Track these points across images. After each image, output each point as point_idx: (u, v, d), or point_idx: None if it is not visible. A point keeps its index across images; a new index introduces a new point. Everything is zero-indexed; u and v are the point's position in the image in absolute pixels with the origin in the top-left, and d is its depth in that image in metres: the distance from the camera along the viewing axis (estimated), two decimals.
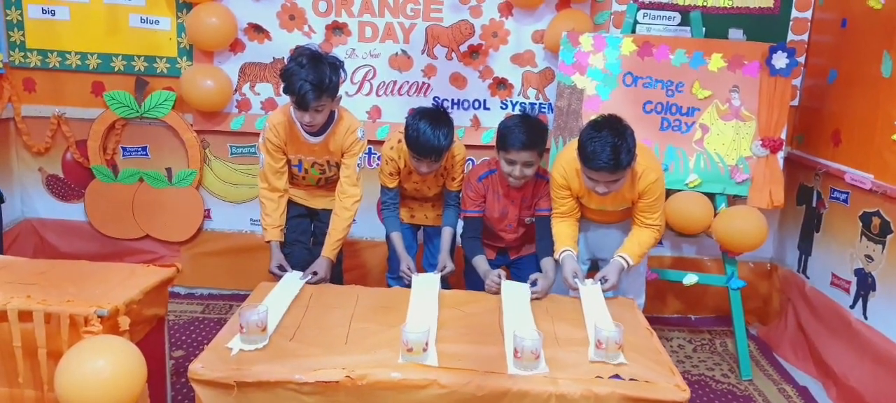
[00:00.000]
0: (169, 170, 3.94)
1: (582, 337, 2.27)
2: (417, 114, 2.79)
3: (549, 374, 2.02)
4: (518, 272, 3.02)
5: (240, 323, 2.13)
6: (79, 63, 3.79)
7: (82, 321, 2.08)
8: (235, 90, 3.78)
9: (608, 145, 2.45)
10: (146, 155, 3.93)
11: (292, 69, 2.61)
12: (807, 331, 3.46)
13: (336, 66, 2.67)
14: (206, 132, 3.88)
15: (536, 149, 2.76)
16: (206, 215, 4.00)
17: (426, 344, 2.08)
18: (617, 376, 2.03)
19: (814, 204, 3.54)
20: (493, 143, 2.90)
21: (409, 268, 2.88)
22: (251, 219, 4.00)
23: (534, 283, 2.64)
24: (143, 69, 3.79)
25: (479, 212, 2.98)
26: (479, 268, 2.87)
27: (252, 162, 3.92)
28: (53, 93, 3.85)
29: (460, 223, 3.10)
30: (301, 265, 2.85)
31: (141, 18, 3.73)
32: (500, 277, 2.70)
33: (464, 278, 3.22)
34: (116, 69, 3.79)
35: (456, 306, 2.51)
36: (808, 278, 3.58)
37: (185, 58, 3.78)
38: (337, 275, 3.15)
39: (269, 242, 2.93)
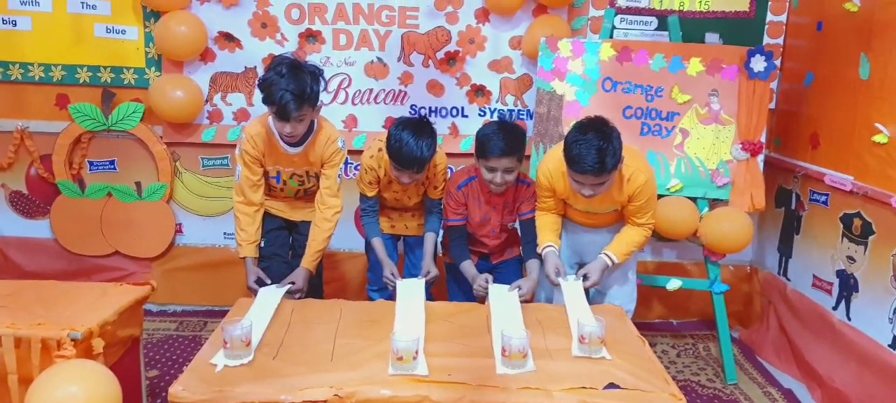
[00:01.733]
0: (138, 183, 3.82)
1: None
2: (400, 125, 2.73)
3: (543, 386, 1.98)
4: (501, 277, 2.99)
5: (223, 338, 2.06)
6: (42, 75, 3.65)
7: (54, 344, 1.99)
8: (206, 101, 3.68)
9: (593, 148, 2.42)
10: (114, 169, 3.80)
11: (272, 79, 2.53)
12: (789, 334, 3.46)
13: (316, 74, 2.61)
14: (177, 144, 3.77)
15: (516, 154, 2.73)
16: (178, 229, 3.88)
17: (416, 353, 2.04)
18: (611, 386, 1.99)
19: (793, 207, 3.56)
20: (472, 151, 2.87)
21: (392, 274, 2.85)
22: (224, 233, 3.89)
23: (518, 288, 2.66)
24: (109, 80, 3.67)
25: (461, 221, 2.94)
26: (466, 273, 2.88)
27: (224, 174, 3.82)
28: (16, 106, 3.70)
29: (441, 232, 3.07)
30: (279, 279, 2.78)
31: (107, 28, 3.61)
32: (487, 282, 2.72)
33: (447, 286, 3.18)
34: (82, 81, 3.66)
35: (445, 318, 2.45)
36: (788, 280, 3.59)
37: (153, 68, 3.66)
38: (317, 288, 3.09)
39: (243, 258, 2.83)
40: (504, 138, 2.68)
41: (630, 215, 2.77)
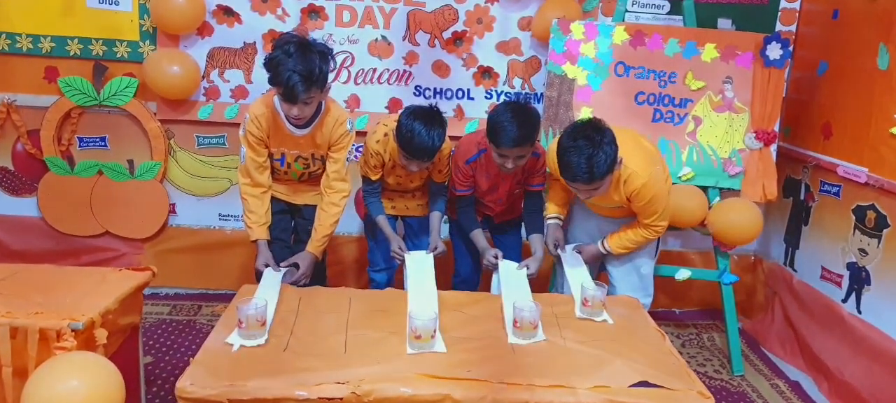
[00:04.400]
0: (130, 161, 3.69)
1: (592, 341, 2.18)
2: (411, 114, 2.66)
3: (568, 383, 1.91)
4: (502, 236, 3.15)
5: (238, 317, 2.02)
6: (30, 46, 3.49)
7: (54, 335, 1.87)
8: (203, 77, 3.55)
9: (583, 157, 2.38)
10: (105, 146, 3.66)
11: (279, 58, 2.41)
12: (795, 325, 3.43)
13: (325, 54, 2.49)
14: (171, 121, 3.64)
15: (529, 142, 2.66)
16: (172, 210, 3.76)
17: (434, 332, 2.05)
18: (642, 383, 1.93)
19: (802, 197, 3.51)
20: None
21: (400, 248, 2.84)
22: (220, 214, 3.78)
23: (526, 267, 2.74)
24: (101, 53, 3.52)
25: (469, 191, 2.94)
26: (477, 244, 2.93)
27: (221, 153, 3.70)
28: (2, 78, 3.54)
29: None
30: None
31: None
32: (496, 257, 2.78)
33: (451, 239, 3.20)
34: (72, 53, 3.51)
35: (456, 308, 2.38)
36: (795, 271, 3.55)
37: (147, 41, 3.52)
38: (321, 273, 3.01)
39: (255, 241, 2.73)
40: (517, 127, 2.59)
41: (636, 214, 2.74)
